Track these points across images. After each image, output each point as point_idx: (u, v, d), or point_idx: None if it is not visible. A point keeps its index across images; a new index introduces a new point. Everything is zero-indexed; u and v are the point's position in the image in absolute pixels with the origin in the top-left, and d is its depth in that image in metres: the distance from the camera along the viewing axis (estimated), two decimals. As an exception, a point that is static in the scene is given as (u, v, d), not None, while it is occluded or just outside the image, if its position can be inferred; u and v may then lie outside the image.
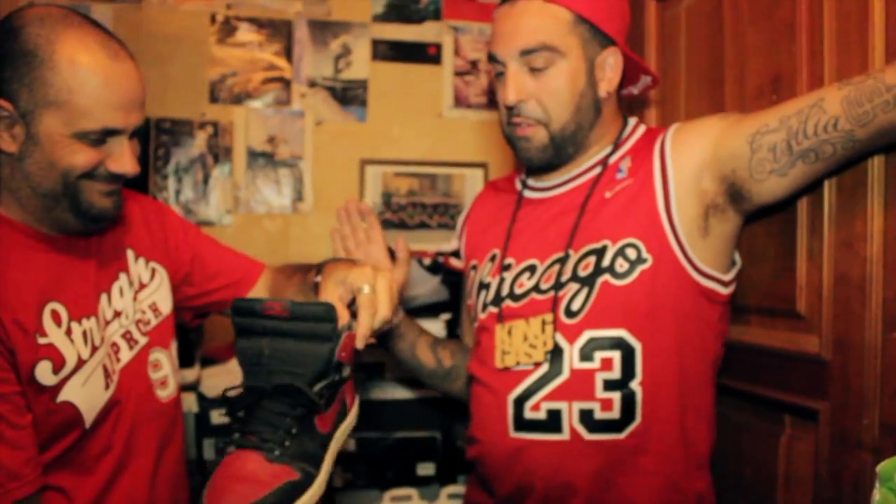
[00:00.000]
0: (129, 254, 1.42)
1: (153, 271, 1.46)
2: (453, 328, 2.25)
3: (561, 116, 1.39)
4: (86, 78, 1.16)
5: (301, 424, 1.03)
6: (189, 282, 1.53)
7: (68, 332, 1.23)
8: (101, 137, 1.19)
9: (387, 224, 2.77)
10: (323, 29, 2.75)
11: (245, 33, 2.70)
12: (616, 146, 1.46)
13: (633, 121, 1.51)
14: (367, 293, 1.13)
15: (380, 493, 2.21)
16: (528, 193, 1.55)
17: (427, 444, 2.26)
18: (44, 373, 1.18)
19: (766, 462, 1.44)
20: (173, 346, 1.47)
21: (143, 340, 1.38)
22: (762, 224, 1.43)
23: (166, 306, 1.46)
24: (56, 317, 1.22)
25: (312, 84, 2.75)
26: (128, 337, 1.36)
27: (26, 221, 1.24)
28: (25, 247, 1.23)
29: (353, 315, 1.12)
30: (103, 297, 1.33)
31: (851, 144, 1.15)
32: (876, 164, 1.22)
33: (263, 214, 2.71)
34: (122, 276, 1.38)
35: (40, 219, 1.24)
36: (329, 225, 2.73)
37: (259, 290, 1.57)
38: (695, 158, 1.33)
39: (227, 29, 2.69)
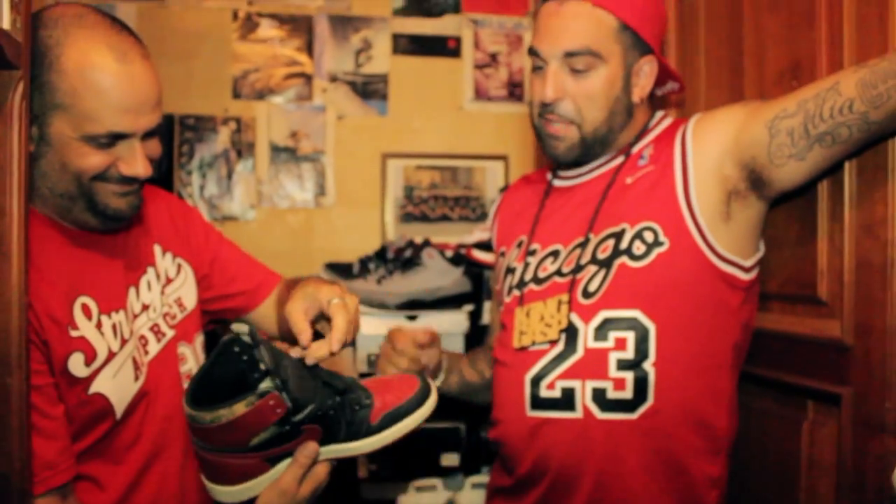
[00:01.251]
0: (157, 248, 1.45)
1: (179, 266, 1.48)
2: (476, 319, 2.26)
3: (594, 119, 1.43)
4: (90, 82, 1.15)
5: None
6: (207, 284, 1.55)
7: (98, 326, 1.26)
8: (110, 141, 1.19)
9: (409, 217, 2.79)
10: (343, 24, 2.77)
11: (266, 29, 2.73)
12: (640, 137, 1.49)
13: (659, 113, 1.54)
14: (337, 302, 1.18)
15: (404, 484, 2.23)
16: (556, 182, 1.59)
17: (451, 434, 2.27)
18: (76, 365, 1.21)
19: (789, 448, 1.44)
20: (198, 340, 1.49)
21: (170, 333, 1.41)
22: (783, 209, 1.43)
23: (191, 301, 1.49)
24: (86, 310, 1.25)
25: (333, 79, 2.76)
26: (156, 330, 1.38)
27: (53, 218, 1.27)
28: (56, 241, 1.26)
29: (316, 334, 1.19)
30: (131, 290, 1.36)
31: (867, 127, 1.16)
32: (896, 148, 1.22)
33: (286, 209, 2.74)
34: (150, 270, 1.41)
35: (62, 216, 1.26)
36: (351, 219, 2.79)
37: (272, 303, 1.59)
38: (716, 145, 1.35)
39: (249, 25, 2.71)
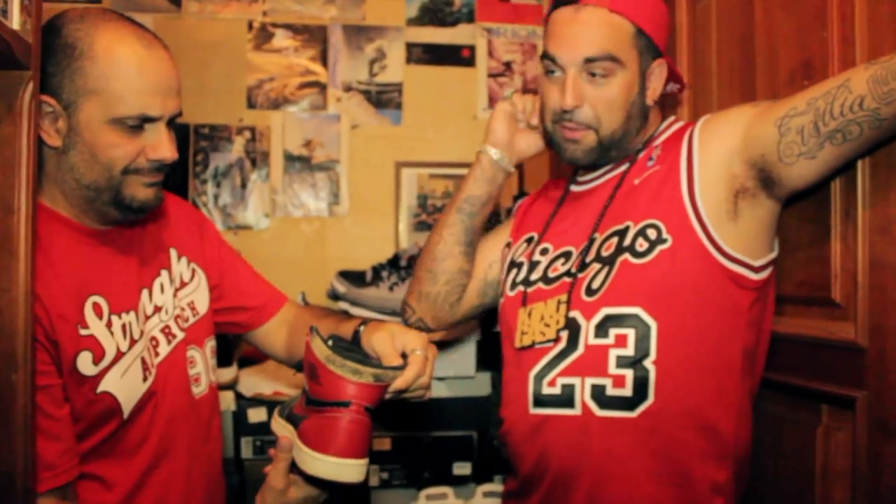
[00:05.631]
0: (172, 252, 1.46)
1: (193, 271, 1.49)
2: (488, 326, 2.25)
3: (612, 123, 1.42)
4: (121, 65, 1.21)
5: None
6: (218, 294, 1.55)
7: (108, 325, 1.27)
8: (139, 124, 1.23)
9: (423, 226, 2.79)
10: (357, 33, 2.79)
11: (281, 39, 2.75)
12: (649, 141, 1.49)
13: (670, 119, 1.54)
14: (420, 355, 1.21)
15: (416, 492, 2.21)
16: (573, 188, 1.59)
17: (463, 443, 2.27)
18: (85, 363, 1.21)
19: (803, 454, 1.42)
20: (208, 345, 1.49)
21: (180, 335, 1.41)
22: (795, 210, 1.41)
23: (203, 306, 1.49)
24: (98, 309, 1.26)
25: (348, 88, 2.78)
26: (166, 331, 1.39)
27: (71, 214, 1.28)
28: (70, 240, 1.27)
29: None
30: (144, 292, 1.37)
31: (878, 124, 1.14)
32: (910, 145, 1.20)
33: (300, 218, 2.75)
34: (164, 273, 1.42)
35: (84, 210, 1.28)
36: (365, 228, 2.80)
37: (278, 322, 1.60)
38: (724, 144, 1.34)
39: (264, 35, 2.73)
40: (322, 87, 2.77)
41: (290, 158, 2.74)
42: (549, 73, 1.45)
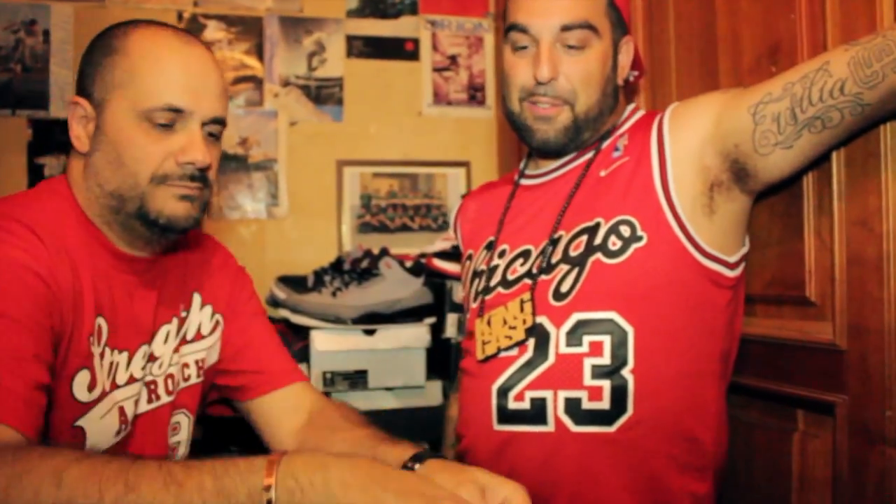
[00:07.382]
0: (196, 297, 1.31)
1: (217, 323, 1.33)
2: (437, 332, 2.14)
3: (589, 98, 1.33)
4: (151, 56, 1.12)
5: None
6: (231, 354, 1.37)
7: (101, 355, 1.12)
8: (167, 121, 1.12)
9: (366, 227, 2.66)
10: (295, 25, 2.65)
11: (213, 31, 2.59)
12: (612, 130, 1.40)
13: (631, 106, 1.46)
14: None
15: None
16: (523, 181, 1.49)
17: (414, 456, 2.14)
18: (80, 385, 1.07)
19: (778, 463, 1.34)
20: (196, 411, 1.33)
21: (165, 399, 1.25)
22: (765, 204, 1.33)
23: (212, 362, 1.34)
24: (99, 333, 1.12)
25: (285, 83, 2.64)
26: (152, 387, 1.23)
27: (103, 231, 1.17)
28: (102, 254, 1.16)
29: None
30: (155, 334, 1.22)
31: (860, 109, 1.06)
32: (889, 132, 1.12)
33: (237, 220, 2.59)
34: (174, 321, 1.27)
35: (108, 222, 1.16)
36: (306, 230, 2.65)
37: (291, 402, 1.35)
38: (695, 134, 1.25)
39: (195, 27, 2.57)
40: (258, 82, 2.62)
41: (224, 158, 2.58)
42: (517, 48, 1.34)
